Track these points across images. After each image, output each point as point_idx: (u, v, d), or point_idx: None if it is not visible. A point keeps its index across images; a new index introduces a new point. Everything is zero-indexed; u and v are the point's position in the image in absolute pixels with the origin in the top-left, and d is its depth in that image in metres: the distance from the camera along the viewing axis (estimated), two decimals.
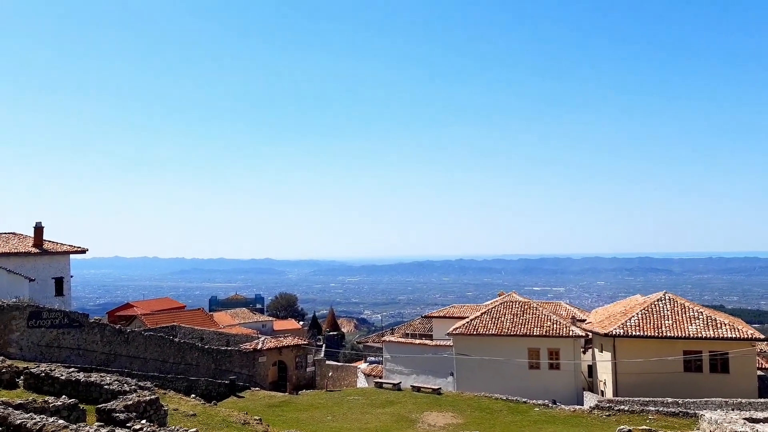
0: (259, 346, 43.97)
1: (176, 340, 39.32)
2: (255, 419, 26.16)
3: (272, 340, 47.04)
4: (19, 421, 10.96)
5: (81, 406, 18.69)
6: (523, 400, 34.90)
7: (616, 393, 36.87)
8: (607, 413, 31.03)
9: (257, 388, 39.39)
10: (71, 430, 10.80)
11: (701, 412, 18.57)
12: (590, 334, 42.02)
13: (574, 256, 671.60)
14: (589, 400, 36.63)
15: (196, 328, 51.20)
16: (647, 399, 33.17)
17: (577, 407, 34.00)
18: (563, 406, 33.72)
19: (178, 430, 19.07)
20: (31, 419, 11.02)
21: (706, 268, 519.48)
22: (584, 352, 43.18)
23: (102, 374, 24.81)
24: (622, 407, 31.37)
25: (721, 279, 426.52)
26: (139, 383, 26.61)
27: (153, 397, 21.38)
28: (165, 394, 27.90)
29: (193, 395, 30.41)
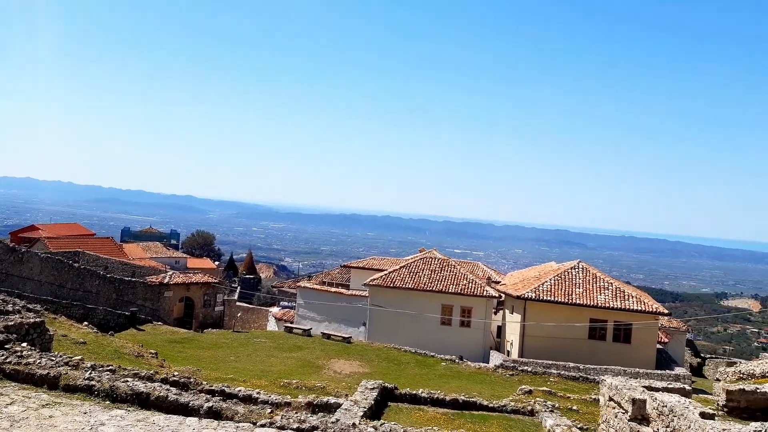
0: (165, 280, 42.18)
1: (76, 265, 37.12)
2: (150, 353, 24.86)
3: (180, 276, 45.27)
4: None
5: None
6: (431, 354, 34.92)
7: (521, 354, 37.43)
8: (510, 372, 31.35)
9: (160, 323, 37.86)
10: None
11: (601, 377, 18.53)
12: (503, 295, 42.43)
13: (496, 222, 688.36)
14: (495, 358, 37.09)
15: (101, 256, 48.77)
16: (550, 362, 33.78)
17: (483, 365, 34.27)
18: (469, 363, 33.92)
19: (60, 356, 17.66)
20: None
21: (618, 246, 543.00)
22: (496, 313, 43.70)
23: None
24: (526, 368, 31.77)
25: (631, 257, 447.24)
26: (28, 305, 24.68)
27: (38, 320, 19.62)
28: (55, 319, 26.11)
29: (86, 323, 28.66)
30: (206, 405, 9.66)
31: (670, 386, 18.38)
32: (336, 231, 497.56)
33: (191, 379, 18.20)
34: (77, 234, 72.00)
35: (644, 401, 15.41)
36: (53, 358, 14.86)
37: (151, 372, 18.54)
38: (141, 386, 8.75)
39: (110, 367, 17.87)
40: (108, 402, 8.56)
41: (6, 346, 17.10)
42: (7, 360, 9.02)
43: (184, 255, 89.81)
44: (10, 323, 18.61)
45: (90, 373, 8.96)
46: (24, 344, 17.67)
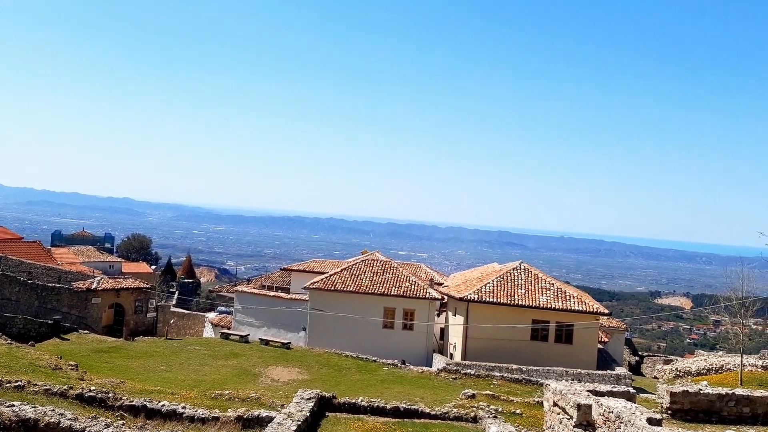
0: (93, 286, 39.99)
1: None
2: (70, 365, 23.14)
3: (109, 281, 43.08)
4: None
5: None
6: (373, 358, 34.04)
7: (464, 357, 36.97)
8: (453, 376, 30.78)
9: (87, 331, 35.76)
10: None
11: (546, 382, 18.03)
12: (446, 297, 41.95)
13: (439, 224, 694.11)
14: (438, 362, 36.50)
15: (25, 260, 45.97)
16: (493, 364, 33.39)
17: (426, 368, 33.63)
18: (412, 367, 33.20)
19: None
20: None
21: (558, 246, 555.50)
22: (438, 315, 43.18)
23: None
24: (469, 371, 31.28)
25: (570, 257, 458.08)
26: None
27: None
28: None
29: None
30: None
31: (615, 390, 18.01)
32: (279, 233, 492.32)
33: (110, 394, 16.79)
34: (1, 238, 68.13)
35: (590, 407, 14.90)
36: None
37: (66, 387, 17.06)
38: (29, 412, 7.53)
39: (18, 383, 16.30)
40: None
41: None
42: None
43: (119, 259, 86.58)
44: None
45: None
46: None
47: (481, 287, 38.28)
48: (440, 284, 46.60)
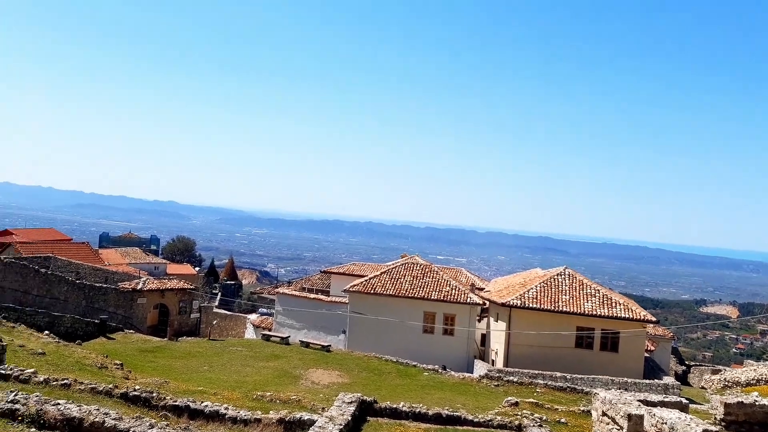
0: (138, 286, 40.60)
1: (43, 271, 35.46)
2: (115, 364, 23.44)
3: (154, 281, 43.71)
4: None
5: None
6: (413, 363, 33.74)
7: (507, 363, 36.37)
8: (495, 383, 30.26)
9: (132, 331, 36.33)
10: None
11: (595, 391, 17.49)
12: (488, 302, 41.38)
13: (478, 229, 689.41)
14: (480, 368, 35.99)
15: (73, 261, 47.02)
16: (537, 372, 32.75)
17: (467, 375, 33.18)
18: (452, 373, 32.80)
19: (11, 369, 16.28)
20: None
21: (600, 253, 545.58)
22: (480, 321, 42.66)
23: None
24: (511, 378, 30.71)
25: (613, 264, 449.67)
26: None
27: None
28: (14, 328, 24.63)
29: (47, 332, 27.11)
30: None
31: (666, 400, 17.38)
32: (319, 237, 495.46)
33: (154, 394, 16.88)
34: (52, 239, 69.93)
35: (641, 417, 14.38)
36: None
37: (111, 386, 17.22)
38: (74, 410, 7.52)
39: (65, 381, 16.51)
40: (33, 429, 7.36)
41: None
42: None
43: (164, 261, 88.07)
44: None
45: (15, 395, 7.71)
46: None
47: (524, 293, 37.64)
48: (481, 289, 46.03)
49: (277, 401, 21.59)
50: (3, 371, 14.96)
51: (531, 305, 36.62)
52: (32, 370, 16.32)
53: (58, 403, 7.81)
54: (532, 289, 38.04)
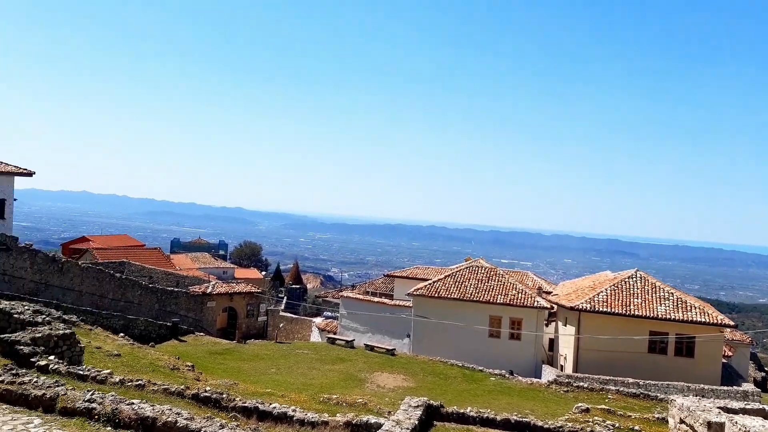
0: (208, 290, 41.66)
1: (118, 275, 36.78)
2: (187, 365, 24.02)
3: (223, 285, 44.74)
4: None
5: None
6: (479, 368, 33.30)
7: (576, 369, 35.48)
8: (565, 389, 29.52)
9: (202, 334, 37.24)
10: None
11: (671, 397, 16.78)
12: (555, 306, 40.50)
13: (544, 232, 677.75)
14: (548, 374, 35.21)
15: (146, 266, 48.65)
16: (608, 378, 31.79)
17: (535, 380, 32.50)
18: (520, 378, 32.20)
19: (89, 370, 16.84)
20: None
21: (672, 255, 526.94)
22: (547, 325, 41.76)
23: (16, 302, 22.27)
24: (582, 384, 29.90)
25: (685, 267, 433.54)
26: (65, 316, 24.18)
27: (67, 331, 18.95)
28: (91, 330, 25.54)
29: (122, 335, 28.06)
30: None
31: (748, 407, 16.51)
32: (381, 241, 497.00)
33: (224, 395, 17.15)
34: (126, 245, 72.61)
35: (722, 425, 13.68)
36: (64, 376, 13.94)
37: (183, 387, 17.60)
38: (147, 410, 7.67)
39: (139, 382, 16.97)
40: (109, 428, 7.55)
41: (32, 359, 16.44)
42: (0, 379, 8.04)
43: (232, 265, 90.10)
44: (37, 335, 17.91)
45: (92, 395, 7.93)
46: (51, 357, 16.95)
47: (594, 296, 36.64)
48: (548, 293, 45.09)
49: (344, 404, 21.66)
50: (81, 372, 15.46)
51: (601, 309, 35.61)
52: (108, 371, 16.84)
53: (133, 403, 7.99)
54: (602, 292, 37.00)
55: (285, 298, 71.38)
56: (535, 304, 39.32)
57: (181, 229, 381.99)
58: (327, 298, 65.92)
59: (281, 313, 51.10)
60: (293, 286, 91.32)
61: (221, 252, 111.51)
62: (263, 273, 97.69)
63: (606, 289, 37.23)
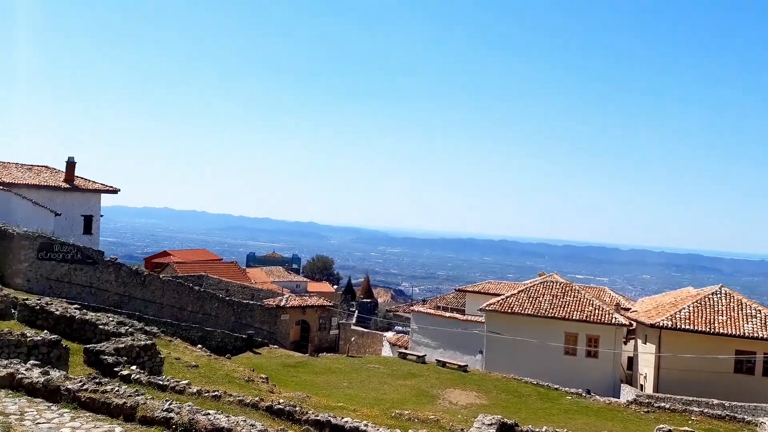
0: (282, 303, 42.39)
1: (196, 288, 37.95)
2: (261, 378, 24.44)
3: (296, 298, 45.45)
4: None
5: (64, 343, 17.00)
6: (555, 386, 32.44)
7: (656, 389, 34.09)
8: (645, 409, 28.37)
9: (276, 346, 37.89)
10: (0, 366, 8.92)
11: (761, 420, 15.81)
12: (634, 323, 39.10)
13: (621, 246, 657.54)
14: (627, 393, 33.95)
15: (223, 279, 50.03)
16: (691, 398, 30.33)
17: (613, 400, 31.40)
18: (597, 397, 31.16)
19: (168, 380, 17.36)
20: None
21: (758, 271, 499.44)
22: (626, 343, 40.33)
23: (101, 314, 23.29)
24: (663, 404, 28.66)
25: None
26: (146, 328, 25.14)
27: (148, 342, 19.67)
28: (171, 341, 26.39)
29: (200, 346, 28.87)
30: None
31: None
32: (452, 255, 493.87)
33: (297, 407, 17.31)
34: (204, 259, 75.03)
35: None
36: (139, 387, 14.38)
37: (257, 398, 17.89)
38: (223, 421, 7.82)
39: (216, 393, 17.35)
40: None
41: (115, 369, 17.10)
42: (84, 387, 8.37)
43: (305, 279, 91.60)
44: (120, 345, 18.66)
45: (169, 405, 8.15)
46: (134, 367, 17.58)
47: (675, 313, 35.17)
48: (627, 309, 43.59)
49: (416, 420, 21.51)
50: (161, 382, 15.94)
51: (683, 326, 34.13)
52: (186, 381, 17.30)
53: (208, 413, 8.16)
54: (684, 309, 35.48)
55: (356, 311, 71.90)
56: (613, 320, 38.06)
57: (256, 243, 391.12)
58: (398, 313, 66.03)
59: (352, 327, 51.41)
60: (364, 300, 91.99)
61: (294, 266, 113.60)
62: (335, 287, 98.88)
63: (688, 306, 35.68)
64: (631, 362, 40.54)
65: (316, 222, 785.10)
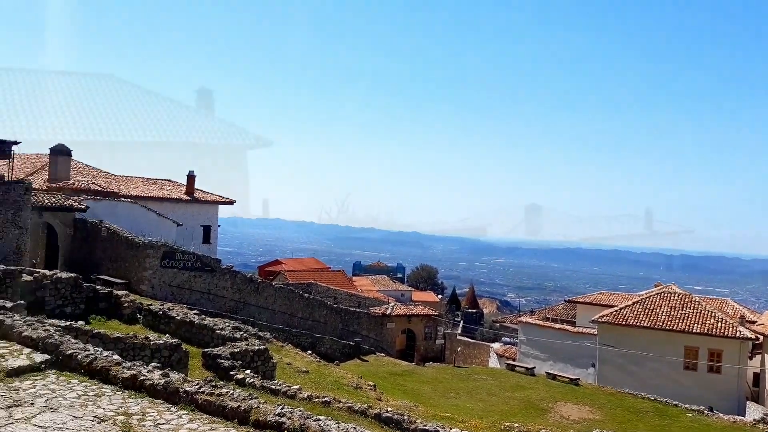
0: (388, 311, 42.74)
1: (306, 295, 38.96)
2: (369, 385, 24.68)
3: (402, 307, 45.68)
4: (70, 352, 9.84)
5: (184, 347, 17.92)
6: (674, 402, 30.71)
7: None
8: None
9: (383, 354, 38.21)
10: (125, 367, 9.49)
11: None
12: (762, 337, 36.36)
13: (743, 256, 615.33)
14: (754, 411, 31.65)
15: (331, 287, 51.13)
16: None
17: (738, 418, 29.38)
18: (721, 415, 29.21)
19: (280, 384, 17.87)
20: (84, 351, 9.91)
21: None
22: (751, 358, 37.59)
23: (218, 319, 24.36)
24: None
25: None
26: (259, 333, 26.02)
27: (262, 347, 20.35)
28: (282, 347, 27.17)
29: (309, 352, 29.56)
30: None
31: None
32: (558, 266, 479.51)
33: (405, 416, 17.31)
34: (313, 267, 77.12)
35: None
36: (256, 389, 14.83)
37: (365, 406, 18.06)
38: (333, 428, 7.91)
39: (325, 399, 17.68)
40: None
41: (231, 372, 17.80)
42: (201, 390, 8.73)
43: (409, 288, 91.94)
44: (236, 350, 19.42)
45: (281, 409, 8.34)
46: (248, 371, 18.24)
47: None
48: (752, 322, 40.62)
49: None
50: (273, 386, 16.44)
51: None
52: (297, 386, 17.74)
53: (319, 419, 8.28)
54: None
55: (462, 321, 71.35)
56: (738, 334, 35.57)
57: (362, 252, 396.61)
58: (504, 323, 64.79)
59: (458, 337, 51.02)
60: (469, 310, 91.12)
61: (399, 275, 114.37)
62: (439, 296, 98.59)
63: None
64: (758, 378, 37.70)
65: (419, 231, 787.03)
